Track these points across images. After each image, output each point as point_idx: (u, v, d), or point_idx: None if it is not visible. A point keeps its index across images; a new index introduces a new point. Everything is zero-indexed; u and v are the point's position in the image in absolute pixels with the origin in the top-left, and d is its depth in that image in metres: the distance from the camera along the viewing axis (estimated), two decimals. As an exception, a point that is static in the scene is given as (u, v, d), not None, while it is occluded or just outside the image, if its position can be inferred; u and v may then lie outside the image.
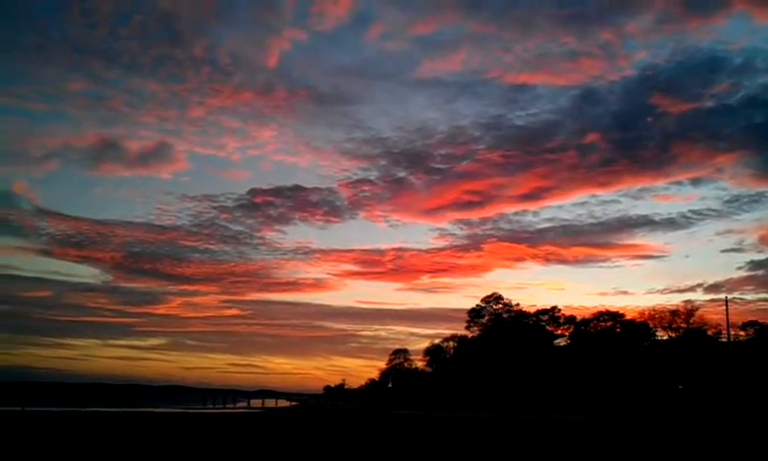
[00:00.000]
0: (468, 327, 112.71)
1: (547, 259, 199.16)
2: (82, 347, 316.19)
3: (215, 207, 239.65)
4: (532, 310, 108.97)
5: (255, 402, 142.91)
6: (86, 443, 31.23)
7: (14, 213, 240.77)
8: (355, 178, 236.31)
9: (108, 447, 30.28)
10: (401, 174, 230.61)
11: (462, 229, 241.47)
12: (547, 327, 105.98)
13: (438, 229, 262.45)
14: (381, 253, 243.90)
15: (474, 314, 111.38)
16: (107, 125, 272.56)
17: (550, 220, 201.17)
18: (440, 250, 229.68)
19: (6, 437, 32.35)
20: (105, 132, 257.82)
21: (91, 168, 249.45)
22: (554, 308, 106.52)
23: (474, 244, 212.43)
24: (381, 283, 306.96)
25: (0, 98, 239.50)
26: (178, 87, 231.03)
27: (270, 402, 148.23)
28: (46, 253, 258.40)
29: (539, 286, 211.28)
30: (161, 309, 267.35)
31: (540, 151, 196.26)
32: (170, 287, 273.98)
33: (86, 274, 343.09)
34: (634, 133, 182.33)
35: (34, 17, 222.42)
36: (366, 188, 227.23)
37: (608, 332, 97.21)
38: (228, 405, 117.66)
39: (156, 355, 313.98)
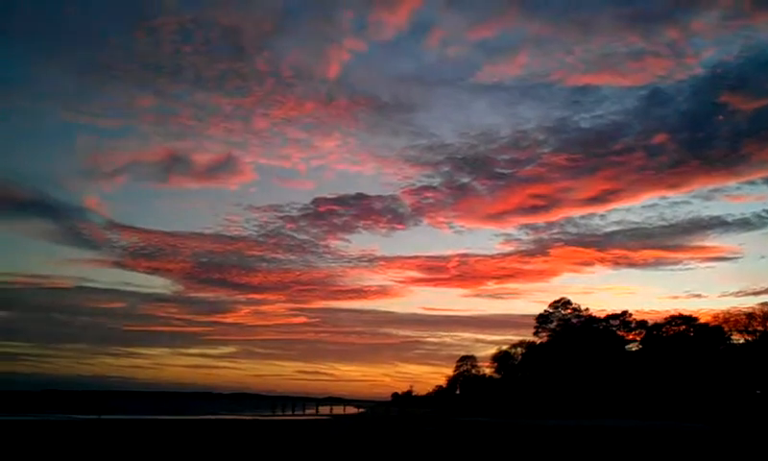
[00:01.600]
0: (536, 333, 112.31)
1: (616, 263, 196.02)
2: (154, 356, 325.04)
3: (281, 217, 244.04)
4: (602, 315, 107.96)
5: (323, 409, 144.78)
6: (161, 449, 32.83)
7: (88, 227, 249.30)
8: (418, 185, 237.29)
9: (182, 453, 31.73)
10: (465, 180, 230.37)
11: (528, 233, 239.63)
12: (618, 333, 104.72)
13: (503, 234, 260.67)
14: (445, 259, 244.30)
15: (542, 320, 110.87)
16: (174, 139, 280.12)
17: (618, 223, 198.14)
18: (505, 255, 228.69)
19: (84, 444, 34.18)
20: (172, 146, 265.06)
21: (160, 181, 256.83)
22: (625, 313, 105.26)
23: (541, 249, 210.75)
24: (446, 290, 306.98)
25: (72, 116, 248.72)
26: (242, 100, 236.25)
27: (338, 409, 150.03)
28: (119, 265, 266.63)
29: (607, 291, 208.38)
30: (230, 318, 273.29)
31: (606, 153, 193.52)
32: (238, 296, 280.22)
33: (158, 285, 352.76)
34: (703, 133, 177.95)
35: (103, 38, 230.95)
36: (429, 195, 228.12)
37: (681, 337, 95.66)
38: (297, 412, 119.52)
39: (227, 364, 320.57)
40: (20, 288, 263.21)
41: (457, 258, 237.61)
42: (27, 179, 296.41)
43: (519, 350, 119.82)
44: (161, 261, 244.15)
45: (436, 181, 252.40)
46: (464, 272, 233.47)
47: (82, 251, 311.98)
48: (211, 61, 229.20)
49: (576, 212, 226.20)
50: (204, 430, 46.05)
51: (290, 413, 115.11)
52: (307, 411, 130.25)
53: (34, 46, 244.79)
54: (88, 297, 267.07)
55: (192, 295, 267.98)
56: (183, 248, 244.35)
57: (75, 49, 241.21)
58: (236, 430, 46.86)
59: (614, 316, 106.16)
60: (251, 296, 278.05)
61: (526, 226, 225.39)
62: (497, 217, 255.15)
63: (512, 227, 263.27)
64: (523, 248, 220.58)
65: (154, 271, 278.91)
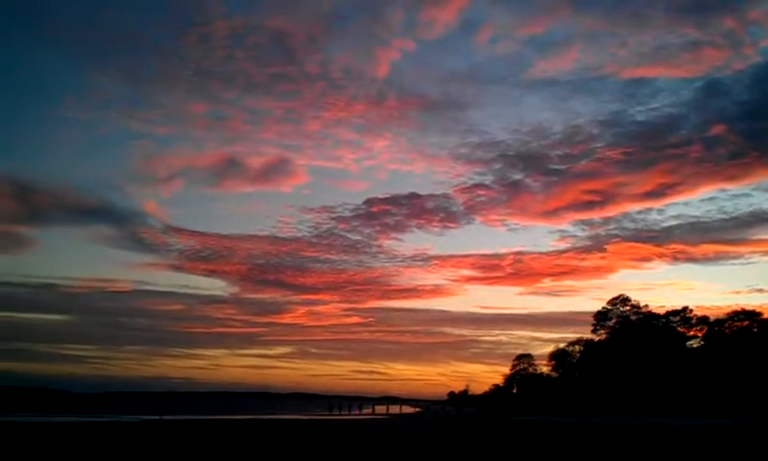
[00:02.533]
0: (594, 331, 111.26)
1: (675, 258, 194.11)
2: (212, 357, 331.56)
3: (334, 218, 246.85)
4: (661, 312, 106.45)
5: (380, 409, 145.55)
6: (222, 449, 33.85)
7: (146, 231, 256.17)
8: (471, 183, 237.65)
9: (244, 453, 32.65)
10: (517, 177, 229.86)
11: (583, 230, 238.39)
12: (678, 329, 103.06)
13: (558, 231, 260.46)
14: (500, 257, 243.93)
15: (600, 317, 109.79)
16: (228, 143, 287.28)
17: (676, 217, 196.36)
18: (561, 252, 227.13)
19: (145, 445, 35.44)
20: (226, 150, 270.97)
21: (215, 185, 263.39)
22: (685, 309, 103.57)
23: (597, 245, 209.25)
24: (501, 288, 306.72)
25: (129, 123, 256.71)
26: (293, 103, 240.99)
27: (394, 409, 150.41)
28: (176, 268, 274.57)
29: (667, 287, 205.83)
30: (286, 319, 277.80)
31: (662, 146, 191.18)
32: (293, 297, 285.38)
33: (214, 287, 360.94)
34: (763, 124, 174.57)
35: (156, 45, 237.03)
36: (482, 193, 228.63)
37: (744, 333, 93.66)
38: (353, 411, 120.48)
39: (283, 364, 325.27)
40: (84, 292, 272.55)
41: (512, 256, 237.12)
42: (88, 186, 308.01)
43: (577, 348, 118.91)
44: (218, 263, 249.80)
45: (488, 179, 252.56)
46: (519, 269, 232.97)
47: (141, 255, 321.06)
48: (262, 66, 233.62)
49: (633, 207, 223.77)
50: (272, 430, 47.02)
51: (346, 412, 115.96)
52: (364, 410, 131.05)
53: (90, 56, 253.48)
54: (148, 300, 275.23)
55: (248, 296, 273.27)
56: (239, 250, 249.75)
57: (130, 57, 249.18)
58: (301, 430, 47.77)
59: (674, 312, 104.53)
60: (305, 296, 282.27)
61: (581, 222, 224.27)
62: (552, 214, 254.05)
63: (567, 223, 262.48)
64: (579, 244, 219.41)
65: (210, 273, 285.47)
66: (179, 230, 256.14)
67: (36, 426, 50.28)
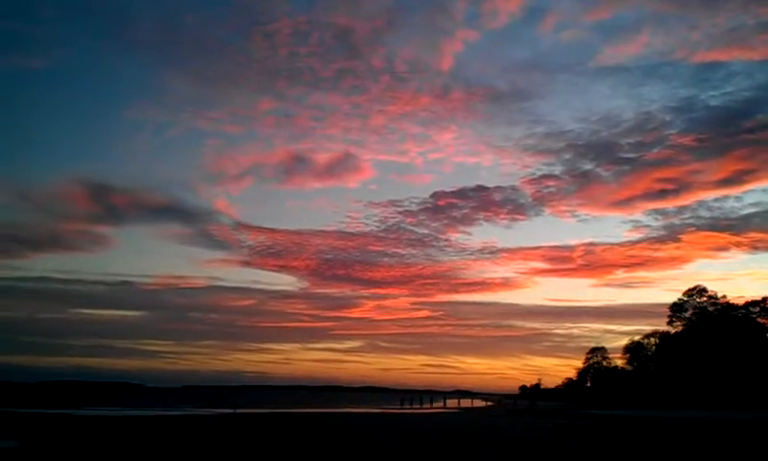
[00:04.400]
0: (669, 323, 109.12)
1: (754, 247, 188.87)
2: (284, 351, 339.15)
3: (400, 212, 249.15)
4: (740, 302, 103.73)
5: (451, 402, 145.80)
6: (295, 441, 34.94)
7: (217, 229, 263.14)
8: (539, 173, 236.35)
9: (319, 446, 33.65)
10: (587, 166, 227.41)
11: (657, 219, 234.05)
12: (759, 320, 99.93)
13: (631, 221, 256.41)
14: (570, 249, 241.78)
15: (676, 308, 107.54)
16: (295, 140, 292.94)
17: (755, 205, 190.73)
18: (634, 243, 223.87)
19: (219, 436, 36.78)
20: (293, 147, 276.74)
21: (283, 182, 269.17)
22: (765, 299, 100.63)
23: (671, 235, 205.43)
24: (572, 280, 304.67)
25: (200, 123, 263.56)
26: (359, 98, 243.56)
27: (465, 403, 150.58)
28: (247, 263, 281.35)
29: (746, 276, 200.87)
30: (355, 313, 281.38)
31: (738, 131, 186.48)
32: (362, 291, 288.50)
33: (284, 282, 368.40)
34: None
35: (224, 46, 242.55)
36: (550, 184, 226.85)
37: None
38: (424, 405, 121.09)
39: (354, 358, 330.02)
40: (159, 289, 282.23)
41: (583, 247, 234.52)
42: (161, 185, 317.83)
43: (653, 340, 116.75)
44: (287, 259, 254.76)
45: (557, 170, 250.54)
46: (590, 261, 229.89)
47: (213, 251, 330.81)
48: (327, 62, 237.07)
49: (708, 195, 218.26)
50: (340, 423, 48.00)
51: (418, 406, 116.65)
52: (435, 404, 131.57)
53: (160, 59, 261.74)
54: (220, 295, 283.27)
55: (318, 291, 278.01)
56: (308, 245, 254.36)
57: (199, 59, 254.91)
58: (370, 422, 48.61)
59: (754, 303, 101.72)
60: (374, 291, 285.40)
61: (655, 211, 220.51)
62: (624, 203, 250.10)
63: (640, 213, 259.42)
64: (653, 234, 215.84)
65: (280, 268, 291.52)
66: (249, 227, 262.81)
67: (116, 420, 52.59)
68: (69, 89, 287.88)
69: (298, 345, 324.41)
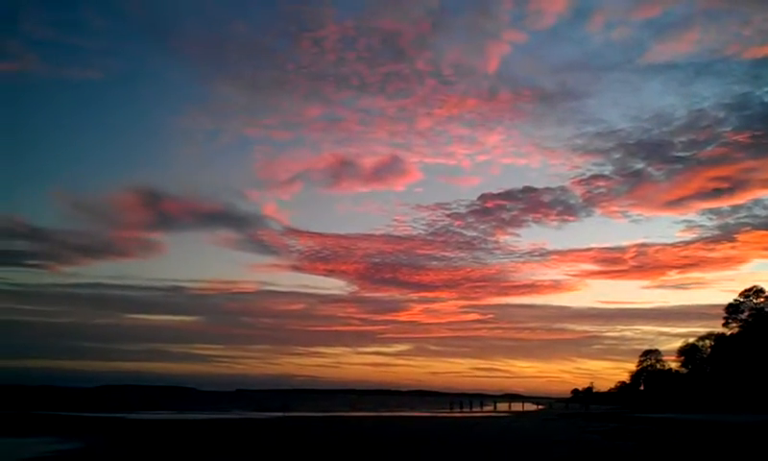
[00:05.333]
0: (725, 325, 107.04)
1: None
2: (334, 355, 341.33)
3: (448, 215, 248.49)
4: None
5: (502, 406, 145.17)
6: (350, 445, 35.54)
7: (267, 234, 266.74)
8: (589, 174, 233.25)
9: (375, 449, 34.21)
10: (638, 166, 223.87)
11: (711, 219, 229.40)
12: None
13: (684, 221, 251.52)
14: (622, 250, 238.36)
15: (732, 310, 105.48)
16: (342, 145, 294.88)
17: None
18: (687, 243, 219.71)
19: (268, 440, 37.62)
20: (341, 151, 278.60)
21: (331, 187, 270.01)
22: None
23: (726, 235, 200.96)
24: (624, 282, 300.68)
25: (249, 130, 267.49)
26: (405, 102, 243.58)
27: (516, 406, 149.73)
28: (297, 268, 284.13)
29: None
30: (404, 316, 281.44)
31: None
32: (411, 295, 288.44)
33: (333, 286, 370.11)
34: None
35: (272, 53, 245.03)
36: (601, 184, 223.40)
37: None
38: (474, 409, 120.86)
39: (403, 361, 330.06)
40: (210, 294, 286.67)
41: (635, 249, 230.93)
42: (211, 192, 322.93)
43: (708, 342, 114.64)
44: (336, 263, 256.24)
45: (607, 170, 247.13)
46: (643, 262, 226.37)
47: (263, 256, 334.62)
48: (373, 66, 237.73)
49: (764, 193, 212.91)
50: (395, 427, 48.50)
51: (468, 409, 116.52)
52: (485, 408, 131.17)
53: (210, 67, 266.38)
54: (270, 300, 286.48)
55: (367, 295, 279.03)
56: (356, 249, 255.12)
57: (247, 66, 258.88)
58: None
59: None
60: (422, 294, 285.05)
61: (709, 211, 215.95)
62: (677, 203, 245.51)
63: (693, 213, 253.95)
64: (707, 234, 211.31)
65: (330, 273, 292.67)
66: (298, 232, 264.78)
67: (171, 423, 53.90)
68: (122, 99, 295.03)
69: (347, 348, 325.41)
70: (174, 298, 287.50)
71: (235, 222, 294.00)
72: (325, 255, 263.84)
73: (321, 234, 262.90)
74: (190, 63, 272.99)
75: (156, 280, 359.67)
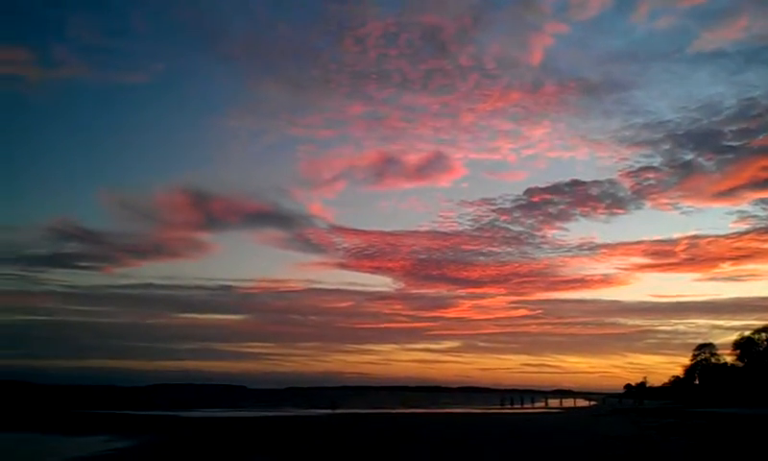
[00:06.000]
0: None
1: None
2: (382, 352, 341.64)
3: (494, 210, 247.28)
4: None
5: (553, 402, 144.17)
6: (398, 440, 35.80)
7: (313, 232, 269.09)
8: (637, 166, 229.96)
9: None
10: (688, 157, 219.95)
11: (765, 209, 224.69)
12: None
13: (737, 211, 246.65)
14: (673, 242, 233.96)
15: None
16: (385, 142, 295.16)
17: None
18: (741, 234, 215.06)
19: (317, 437, 38.09)
20: (384, 148, 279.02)
21: (375, 184, 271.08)
22: None
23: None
24: (676, 275, 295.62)
25: (294, 129, 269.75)
26: (448, 98, 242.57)
27: (568, 402, 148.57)
28: (343, 266, 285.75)
29: None
30: (452, 313, 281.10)
31: None
32: (458, 291, 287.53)
33: (380, 283, 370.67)
34: None
35: (315, 53, 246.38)
36: (650, 176, 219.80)
37: None
38: (525, 405, 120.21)
39: (451, 358, 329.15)
40: (258, 292, 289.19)
41: (686, 241, 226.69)
42: (258, 191, 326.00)
43: (764, 335, 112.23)
44: (382, 260, 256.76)
45: (656, 161, 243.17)
46: (694, 255, 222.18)
47: (309, 254, 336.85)
48: (416, 62, 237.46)
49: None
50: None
51: (519, 406, 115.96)
52: (536, 404, 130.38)
53: (253, 67, 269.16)
54: (318, 297, 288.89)
55: (413, 291, 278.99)
56: (401, 246, 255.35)
57: (290, 66, 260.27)
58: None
59: None
60: (470, 290, 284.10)
61: (762, 201, 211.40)
62: (729, 194, 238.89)
63: (746, 203, 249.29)
64: (761, 225, 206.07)
65: (376, 270, 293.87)
66: (343, 230, 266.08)
67: (223, 421, 54.85)
68: (169, 102, 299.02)
69: (396, 345, 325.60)
70: (222, 297, 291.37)
71: (281, 221, 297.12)
72: (371, 253, 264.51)
73: (366, 232, 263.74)
74: (235, 64, 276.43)
75: (205, 280, 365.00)
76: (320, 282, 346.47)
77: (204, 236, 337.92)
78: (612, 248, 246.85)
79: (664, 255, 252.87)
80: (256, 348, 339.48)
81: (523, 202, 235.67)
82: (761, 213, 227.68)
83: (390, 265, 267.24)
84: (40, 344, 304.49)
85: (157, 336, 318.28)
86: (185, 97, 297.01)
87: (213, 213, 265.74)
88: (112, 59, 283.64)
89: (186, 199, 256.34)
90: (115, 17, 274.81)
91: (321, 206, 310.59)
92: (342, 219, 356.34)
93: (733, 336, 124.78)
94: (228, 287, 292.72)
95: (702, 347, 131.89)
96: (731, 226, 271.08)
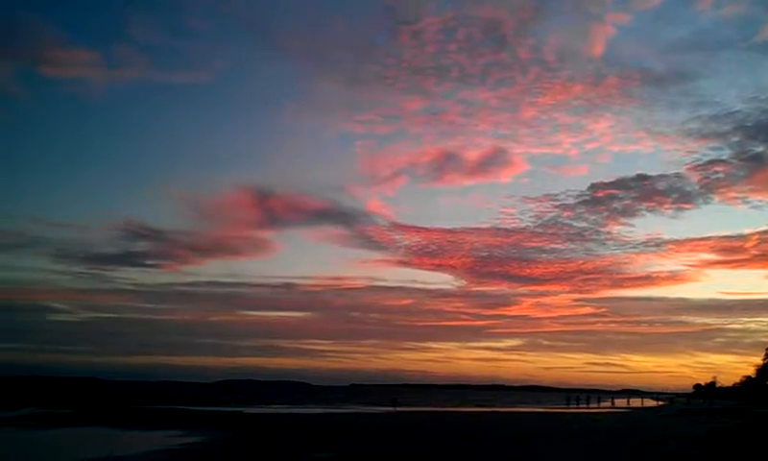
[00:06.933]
0: None
1: None
2: (444, 350, 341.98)
3: (557, 206, 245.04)
4: None
5: (619, 402, 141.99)
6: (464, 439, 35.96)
7: (373, 230, 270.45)
8: (705, 159, 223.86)
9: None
10: (759, 149, 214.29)
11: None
12: None
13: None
14: (743, 238, 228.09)
15: None
16: (444, 138, 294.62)
17: None
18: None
19: (378, 432, 38.49)
20: (443, 144, 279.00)
21: (435, 180, 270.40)
22: None
23: None
24: (745, 271, 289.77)
25: (352, 126, 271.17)
26: (507, 92, 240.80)
27: (635, 402, 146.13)
28: (404, 263, 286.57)
29: None
30: (514, 311, 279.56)
31: None
32: (520, 288, 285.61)
33: (441, 281, 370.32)
34: None
35: (373, 49, 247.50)
36: (718, 169, 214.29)
37: None
38: (591, 404, 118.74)
39: (514, 356, 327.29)
40: (320, 290, 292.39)
41: (756, 236, 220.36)
42: (319, 189, 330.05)
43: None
44: (443, 258, 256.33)
45: (725, 154, 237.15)
46: (765, 250, 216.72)
47: (370, 252, 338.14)
48: (474, 57, 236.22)
49: None
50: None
51: (584, 406, 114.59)
52: (602, 404, 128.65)
53: (312, 64, 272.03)
54: (379, 295, 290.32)
55: (475, 289, 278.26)
56: (462, 243, 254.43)
57: (348, 63, 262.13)
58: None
59: None
60: (533, 288, 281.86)
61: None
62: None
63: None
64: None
65: (437, 267, 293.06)
66: (403, 227, 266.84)
67: (287, 417, 55.76)
68: (228, 100, 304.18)
69: (458, 343, 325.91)
70: (285, 294, 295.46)
71: (341, 218, 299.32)
72: (432, 250, 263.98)
73: (426, 229, 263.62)
74: (293, 62, 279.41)
75: (267, 278, 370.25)
76: (381, 280, 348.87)
77: (266, 234, 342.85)
78: (679, 244, 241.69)
79: (734, 251, 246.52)
80: (318, 345, 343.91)
81: (587, 197, 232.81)
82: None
83: (451, 262, 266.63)
84: (109, 340, 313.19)
85: (222, 333, 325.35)
86: (245, 95, 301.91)
87: (274, 211, 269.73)
88: (174, 58, 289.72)
89: (248, 197, 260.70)
90: (175, 17, 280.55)
91: (380, 202, 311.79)
92: (402, 216, 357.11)
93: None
94: (290, 285, 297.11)
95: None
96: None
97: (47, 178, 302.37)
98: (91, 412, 59.68)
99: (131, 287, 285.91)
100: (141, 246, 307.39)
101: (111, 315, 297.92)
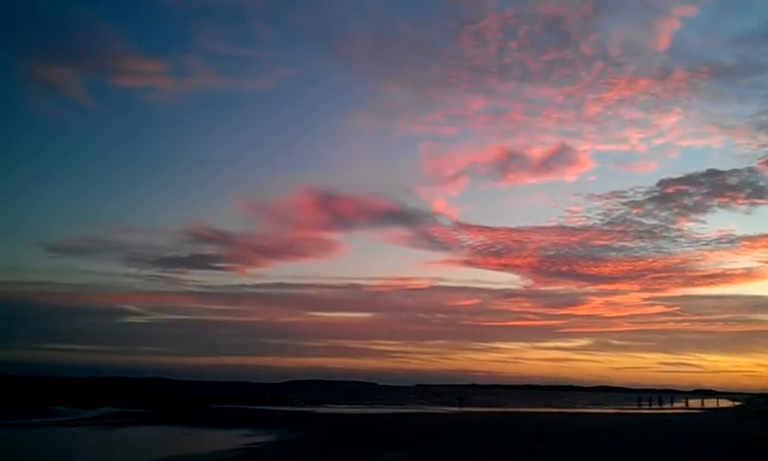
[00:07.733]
0: None
1: None
2: (511, 350, 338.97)
3: (625, 204, 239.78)
4: None
5: (694, 403, 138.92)
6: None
7: (438, 230, 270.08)
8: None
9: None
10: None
11: None
12: None
13: None
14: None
15: None
16: (508, 136, 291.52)
17: None
18: None
19: (446, 432, 38.68)
20: (507, 143, 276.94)
21: (499, 180, 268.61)
22: None
23: None
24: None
25: (416, 127, 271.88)
26: (571, 88, 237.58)
27: (710, 402, 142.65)
28: (469, 263, 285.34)
29: None
30: (583, 310, 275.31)
31: None
32: (589, 287, 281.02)
33: (507, 280, 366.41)
34: None
35: (435, 50, 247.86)
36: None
37: None
38: (664, 405, 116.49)
39: (583, 356, 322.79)
40: (385, 291, 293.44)
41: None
42: (383, 190, 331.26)
43: None
44: (508, 257, 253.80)
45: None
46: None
47: (435, 252, 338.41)
48: (537, 54, 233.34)
49: None
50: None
51: (657, 406, 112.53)
52: (675, 404, 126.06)
53: (375, 67, 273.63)
54: (444, 295, 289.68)
55: (542, 288, 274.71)
56: (528, 242, 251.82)
57: (411, 65, 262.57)
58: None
59: None
60: (601, 286, 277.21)
61: None
62: None
63: None
64: None
65: (503, 267, 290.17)
66: (468, 227, 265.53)
67: (356, 417, 56.47)
68: (293, 105, 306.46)
69: (525, 344, 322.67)
70: (351, 295, 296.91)
71: (406, 219, 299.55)
72: (497, 250, 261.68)
73: (491, 228, 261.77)
74: (356, 65, 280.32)
75: (334, 279, 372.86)
76: (446, 280, 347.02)
77: (332, 236, 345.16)
78: (753, 240, 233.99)
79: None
80: (385, 345, 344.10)
81: (656, 194, 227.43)
82: None
83: (517, 262, 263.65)
84: (179, 342, 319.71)
85: (290, 334, 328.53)
86: (310, 101, 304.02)
87: (340, 213, 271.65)
88: (239, 66, 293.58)
89: (314, 200, 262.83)
90: (239, 25, 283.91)
91: (444, 203, 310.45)
92: (466, 216, 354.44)
93: None
94: (357, 286, 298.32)
95: None
96: None
97: (120, 184, 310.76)
98: (165, 411, 61.49)
99: (199, 290, 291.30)
100: (209, 249, 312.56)
101: (181, 317, 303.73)
